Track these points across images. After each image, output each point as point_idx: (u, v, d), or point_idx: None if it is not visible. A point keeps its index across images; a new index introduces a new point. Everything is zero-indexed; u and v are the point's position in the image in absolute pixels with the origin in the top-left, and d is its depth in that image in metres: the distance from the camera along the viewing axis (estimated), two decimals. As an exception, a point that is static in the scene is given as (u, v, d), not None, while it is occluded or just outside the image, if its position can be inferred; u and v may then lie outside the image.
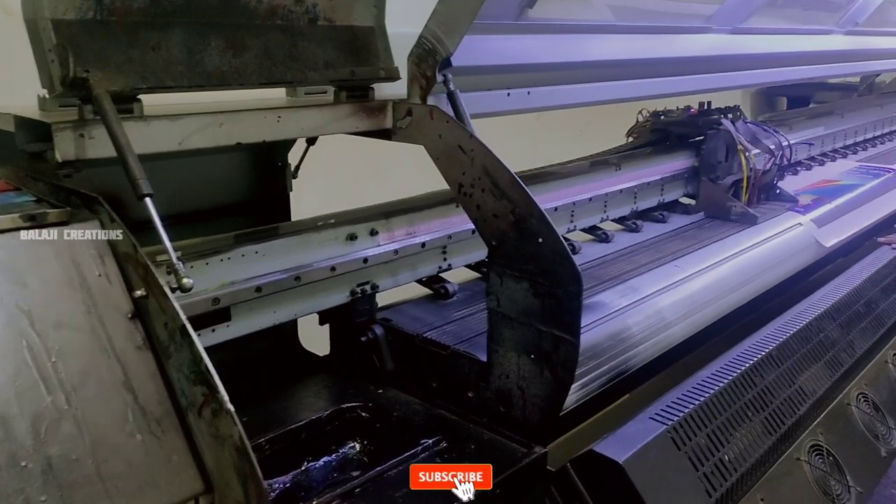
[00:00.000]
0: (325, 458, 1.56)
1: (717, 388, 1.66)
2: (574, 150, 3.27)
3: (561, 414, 1.47)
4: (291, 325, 1.79)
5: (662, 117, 2.99)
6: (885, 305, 2.47)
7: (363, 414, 1.62)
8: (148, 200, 1.00)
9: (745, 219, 2.66)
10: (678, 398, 1.61)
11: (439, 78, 1.49)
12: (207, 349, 1.48)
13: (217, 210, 1.77)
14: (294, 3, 1.38)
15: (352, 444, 1.60)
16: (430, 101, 1.52)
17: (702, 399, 1.61)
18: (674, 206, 2.86)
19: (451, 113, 1.50)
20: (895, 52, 4.16)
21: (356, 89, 1.49)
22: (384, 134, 1.57)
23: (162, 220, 1.69)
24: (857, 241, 2.94)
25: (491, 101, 1.70)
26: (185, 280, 0.98)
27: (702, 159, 2.82)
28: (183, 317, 0.89)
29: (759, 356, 1.83)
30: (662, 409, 1.55)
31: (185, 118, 1.22)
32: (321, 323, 1.78)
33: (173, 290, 0.97)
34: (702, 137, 2.83)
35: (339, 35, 1.45)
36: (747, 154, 2.72)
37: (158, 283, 0.92)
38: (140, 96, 1.18)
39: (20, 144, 1.14)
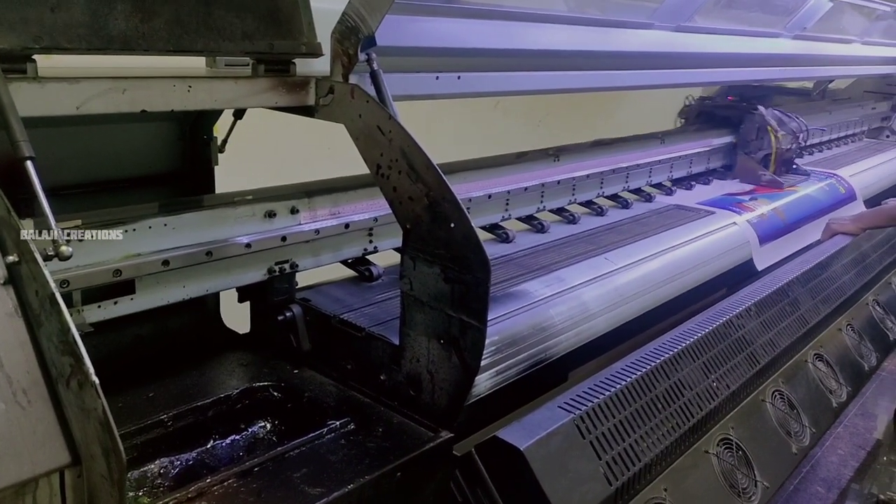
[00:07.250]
0: (233, 437, 1.54)
1: (629, 379, 1.68)
2: (532, 139, 3.33)
3: (471, 401, 1.48)
4: (213, 301, 1.76)
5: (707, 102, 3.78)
6: (810, 305, 2.53)
7: (275, 393, 1.60)
8: (29, 164, 0.97)
9: (772, 184, 3.40)
10: (589, 388, 1.63)
11: (362, 57, 1.47)
12: (117, 321, 1.48)
13: (139, 180, 1.73)
14: (212, -29, 1.34)
15: (261, 424, 1.58)
16: (354, 79, 1.50)
17: (613, 390, 1.63)
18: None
19: (374, 93, 1.48)
20: (844, 59, 4.24)
21: (276, 63, 1.46)
22: (306, 111, 1.54)
23: (81, 187, 1.68)
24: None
25: (419, 84, 1.68)
26: (62, 248, 0.94)
27: (739, 136, 3.57)
28: (53, 285, 0.86)
29: (676, 350, 1.86)
30: (572, 399, 1.57)
31: (84, 82, 1.18)
32: (240, 300, 1.75)
33: (50, 258, 0.95)
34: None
35: (260, 5, 1.41)
36: (776, 134, 3.47)
37: (30, 249, 0.89)
38: (43, 58, 1.14)
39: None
